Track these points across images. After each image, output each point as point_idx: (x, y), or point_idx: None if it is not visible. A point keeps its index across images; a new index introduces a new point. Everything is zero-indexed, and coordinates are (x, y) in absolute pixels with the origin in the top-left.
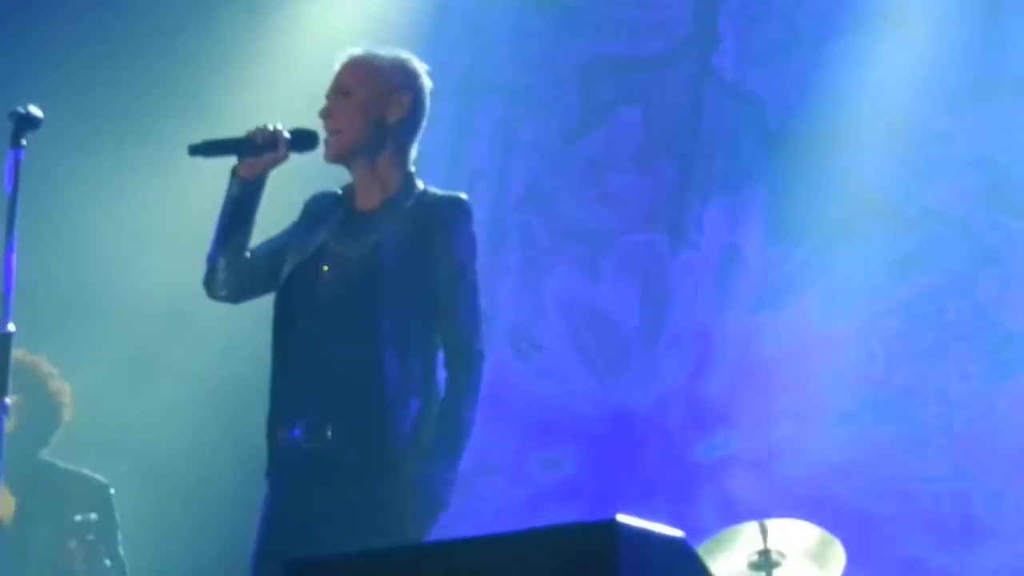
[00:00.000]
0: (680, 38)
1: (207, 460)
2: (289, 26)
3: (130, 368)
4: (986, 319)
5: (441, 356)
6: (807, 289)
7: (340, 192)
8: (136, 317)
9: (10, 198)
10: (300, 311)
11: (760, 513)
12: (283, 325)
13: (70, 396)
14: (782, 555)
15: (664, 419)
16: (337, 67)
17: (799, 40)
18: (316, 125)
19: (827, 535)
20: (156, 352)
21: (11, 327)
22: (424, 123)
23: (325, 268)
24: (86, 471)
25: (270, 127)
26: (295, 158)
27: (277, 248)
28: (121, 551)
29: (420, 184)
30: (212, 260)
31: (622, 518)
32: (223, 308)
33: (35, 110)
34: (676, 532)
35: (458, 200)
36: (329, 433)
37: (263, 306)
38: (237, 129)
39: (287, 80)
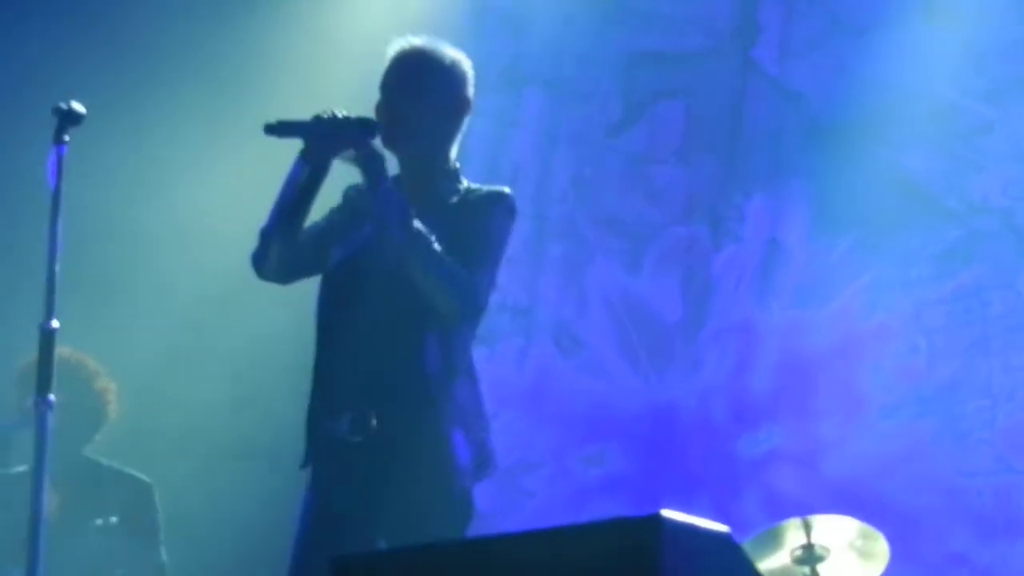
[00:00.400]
0: (721, 31)
1: (246, 447)
2: (330, 17)
3: (169, 356)
4: None
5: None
6: (849, 282)
7: None
8: (176, 306)
9: (53, 194)
10: (345, 304)
11: (803, 508)
12: (328, 317)
13: (115, 394)
14: (826, 550)
15: (707, 414)
16: (393, 53)
17: (841, 31)
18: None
19: (871, 530)
20: (199, 340)
21: (55, 323)
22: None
23: (371, 263)
24: (131, 470)
25: (339, 114)
26: None
27: (322, 231)
28: (163, 553)
29: (464, 182)
30: (267, 236)
31: (667, 513)
32: (265, 298)
33: (78, 106)
34: (721, 527)
35: (501, 193)
36: (374, 423)
37: (303, 297)
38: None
39: (330, 73)
